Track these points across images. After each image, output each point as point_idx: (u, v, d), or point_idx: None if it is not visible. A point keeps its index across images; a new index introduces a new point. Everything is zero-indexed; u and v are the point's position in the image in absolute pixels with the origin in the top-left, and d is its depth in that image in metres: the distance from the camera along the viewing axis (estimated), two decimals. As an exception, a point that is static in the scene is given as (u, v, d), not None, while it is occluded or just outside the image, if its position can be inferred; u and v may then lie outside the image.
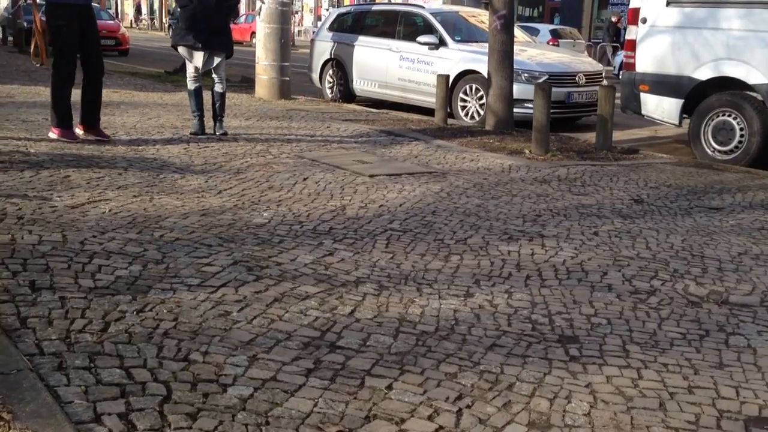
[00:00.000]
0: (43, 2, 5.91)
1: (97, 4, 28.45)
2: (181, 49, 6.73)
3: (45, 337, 2.43)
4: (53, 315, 2.61)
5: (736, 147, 7.02)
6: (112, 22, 22.87)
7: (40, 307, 2.67)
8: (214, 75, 6.79)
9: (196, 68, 6.71)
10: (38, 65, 6.32)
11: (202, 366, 2.32)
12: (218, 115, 6.86)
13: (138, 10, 54.11)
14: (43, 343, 2.38)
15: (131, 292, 2.88)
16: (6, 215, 3.79)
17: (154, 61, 17.63)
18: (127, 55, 20.12)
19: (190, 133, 6.71)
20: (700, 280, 3.44)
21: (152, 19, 50.60)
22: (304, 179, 5.12)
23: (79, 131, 6.09)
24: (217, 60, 6.73)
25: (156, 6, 50.72)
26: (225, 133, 6.76)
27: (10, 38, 20.54)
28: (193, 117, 6.87)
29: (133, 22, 53.24)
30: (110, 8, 42.64)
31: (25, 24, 20.14)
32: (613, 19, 21.41)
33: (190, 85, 6.82)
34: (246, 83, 11.87)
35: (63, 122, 5.97)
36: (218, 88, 6.82)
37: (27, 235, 3.49)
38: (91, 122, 6.10)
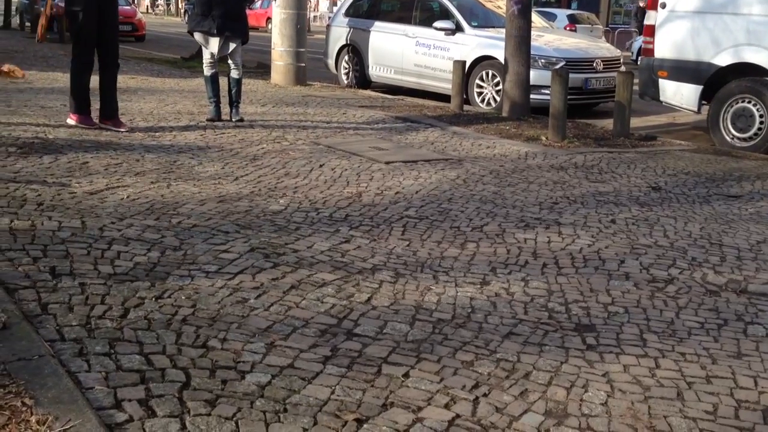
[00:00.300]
0: None
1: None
2: (197, 35, 6.67)
3: (66, 323, 2.46)
4: (74, 301, 2.64)
5: (755, 134, 6.94)
6: (128, 7, 22.89)
7: (60, 293, 2.70)
8: (230, 61, 6.72)
9: (212, 54, 6.65)
10: (37, 41, 6.32)
11: (220, 353, 2.34)
12: (234, 102, 6.83)
13: None
14: (64, 329, 2.41)
15: (150, 279, 2.91)
16: (26, 201, 3.83)
17: (171, 47, 17.67)
18: (143, 40, 20.18)
19: (207, 120, 6.70)
20: (718, 268, 3.41)
21: (168, 5, 50.65)
22: (320, 166, 5.13)
23: (97, 121, 6.06)
24: (232, 46, 6.66)
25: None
26: (241, 120, 6.75)
27: (28, 24, 20.64)
28: (209, 103, 6.84)
29: (149, 7, 53.31)
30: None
31: (42, 9, 20.24)
32: (641, 3, 21.18)
33: (207, 71, 6.77)
34: (262, 69, 11.87)
35: (81, 108, 5.97)
36: (234, 74, 6.77)
37: (47, 221, 3.52)
38: (109, 113, 6.06)
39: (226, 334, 2.47)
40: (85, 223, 3.53)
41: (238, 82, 6.83)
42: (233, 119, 6.76)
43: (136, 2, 46.00)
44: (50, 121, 6.18)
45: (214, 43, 6.61)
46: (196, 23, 6.66)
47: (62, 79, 9.32)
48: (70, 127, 5.94)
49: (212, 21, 6.49)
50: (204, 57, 6.79)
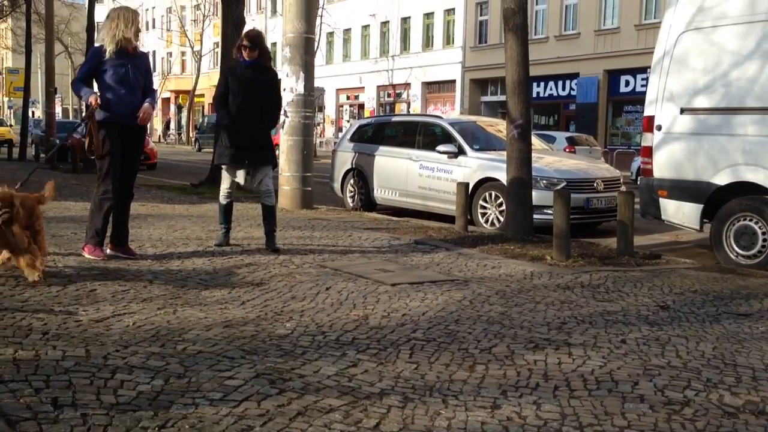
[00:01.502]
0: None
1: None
2: (224, 168, 6.69)
3: (66, 455, 2.39)
4: (75, 432, 2.58)
5: (759, 251, 6.97)
6: (140, 137, 23.69)
7: (61, 424, 2.64)
8: (260, 189, 6.71)
9: (234, 184, 6.67)
10: (92, 157, 6.31)
11: (223, 486, 2.26)
12: (270, 230, 6.71)
13: (167, 125, 56.11)
14: (64, 463, 2.34)
15: (153, 408, 2.85)
16: (31, 330, 3.82)
17: (180, 174, 18.12)
18: (155, 168, 20.73)
19: (215, 245, 6.72)
20: (734, 389, 3.34)
21: (179, 134, 52.36)
22: (327, 289, 5.13)
23: (108, 250, 6.04)
24: (262, 174, 6.67)
25: (183, 121, 52.58)
26: (278, 250, 6.61)
27: (43, 155, 21.30)
28: (219, 228, 6.88)
29: (161, 136, 55.13)
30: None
31: (58, 141, 20.96)
32: None
33: (223, 199, 6.77)
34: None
35: (93, 239, 5.94)
36: (267, 201, 6.72)
37: (51, 350, 3.50)
38: (120, 240, 6.07)
39: (230, 466, 2.39)
40: (89, 352, 3.50)
41: (272, 209, 6.75)
42: (269, 248, 6.63)
43: (148, 132, 47.70)
44: (60, 250, 6.25)
45: (242, 174, 6.64)
46: (224, 156, 6.64)
47: (74, 208, 9.52)
48: (78, 256, 5.98)
49: (241, 152, 6.53)
50: (222, 185, 6.76)
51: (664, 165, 7.68)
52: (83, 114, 5.90)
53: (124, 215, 6.12)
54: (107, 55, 5.80)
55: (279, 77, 6.99)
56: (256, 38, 6.66)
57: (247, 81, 6.57)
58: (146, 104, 5.94)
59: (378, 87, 40.68)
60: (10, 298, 4.48)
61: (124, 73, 5.83)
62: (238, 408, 2.89)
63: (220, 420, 2.76)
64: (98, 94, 5.73)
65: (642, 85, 25.72)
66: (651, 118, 7.82)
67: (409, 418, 2.86)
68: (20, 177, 16.19)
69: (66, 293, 4.67)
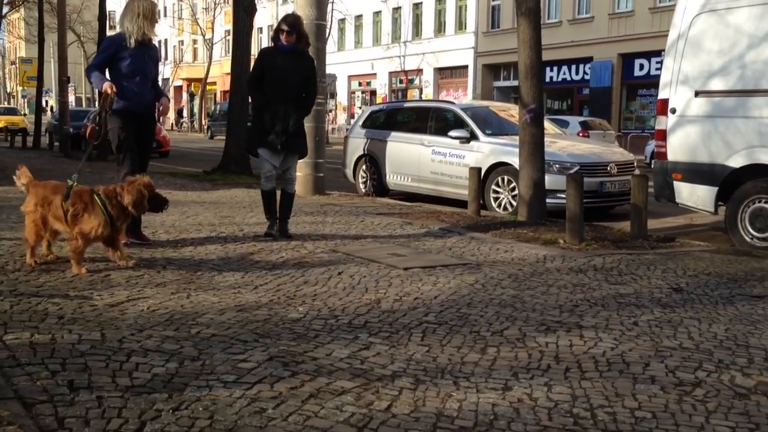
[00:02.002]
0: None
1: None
2: (262, 151, 6.56)
3: (82, 436, 2.43)
4: (90, 415, 2.61)
5: (775, 233, 6.92)
6: (153, 125, 23.80)
7: (77, 407, 2.68)
8: (285, 176, 6.66)
9: (274, 166, 6.57)
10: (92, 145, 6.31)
11: (237, 465, 2.28)
12: (284, 217, 6.71)
13: (180, 113, 56.25)
14: (80, 443, 2.38)
15: (167, 390, 2.88)
16: (47, 315, 3.86)
17: (193, 162, 18.18)
18: (167, 156, 20.82)
19: (265, 234, 6.58)
20: (746, 370, 3.33)
21: (192, 122, 52.48)
22: (339, 273, 5.15)
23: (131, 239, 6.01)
24: (290, 162, 6.62)
25: (195, 109, 52.68)
26: (290, 236, 6.60)
27: (56, 143, 21.44)
28: (267, 218, 6.75)
29: (173, 124, 55.29)
30: (152, 112, 44.39)
31: (71, 130, 21.08)
32: None
33: (266, 184, 6.66)
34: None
35: (130, 227, 5.77)
36: (289, 188, 6.69)
37: (67, 334, 3.54)
38: (133, 226, 5.96)
39: (243, 446, 2.42)
40: (104, 336, 3.54)
41: (292, 197, 6.74)
42: (282, 235, 6.61)
43: (161, 120, 47.88)
44: (75, 235, 6.29)
45: (277, 160, 6.56)
46: (258, 140, 6.57)
47: (88, 194, 9.57)
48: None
49: (275, 137, 6.43)
50: (263, 169, 6.66)
51: (678, 148, 7.62)
52: (98, 102, 6.33)
53: None
54: (130, 43, 5.84)
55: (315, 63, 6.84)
56: (295, 23, 6.53)
57: (284, 66, 6.42)
58: (164, 98, 6.12)
59: (390, 73, 40.56)
60: (26, 284, 4.54)
61: (140, 63, 5.90)
62: (251, 390, 2.92)
63: (233, 402, 2.79)
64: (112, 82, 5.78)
65: (656, 69, 25.50)
66: (665, 101, 7.76)
67: (420, 400, 2.88)
68: (37, 165, 16.32)
69: (80, 278, 4.72)
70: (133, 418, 2.60)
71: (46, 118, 31.67)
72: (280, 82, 6.43)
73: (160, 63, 6.27)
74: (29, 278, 4.69)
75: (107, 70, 5.97)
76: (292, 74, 6.45)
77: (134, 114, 5.93)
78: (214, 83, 52.81)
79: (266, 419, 2.64)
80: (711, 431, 2.66)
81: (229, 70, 14.95)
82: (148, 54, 5.98)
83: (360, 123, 12.13)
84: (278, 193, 6.72)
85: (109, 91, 5.67)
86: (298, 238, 6.62)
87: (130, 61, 5.85)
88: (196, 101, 54.50)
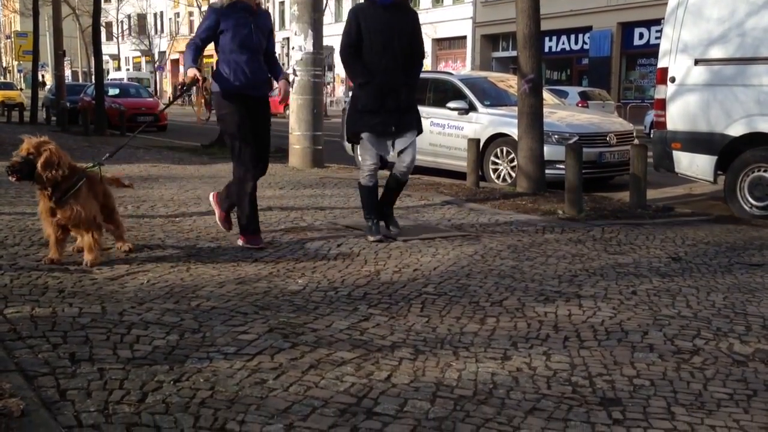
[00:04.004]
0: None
1: (136, 83, 29.55)
2: (366, 136, 5.36)
3: (84, 408, 2.45)
4: (92, 386, 2.63)
5: (774, 202, 6.92)
6: (151, 99, 23.72)
7: (79, 378, 2.70)
8: (401, 158, 5.51)
9: (381, 158, 5.45)
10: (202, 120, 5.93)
11: (238, 435, 2.30)
12: (390, 207, 5.70)
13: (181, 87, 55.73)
14: (82, 415, 2.40)
15: (168, 362, 2.90)
16: (48, 289, 3.87)
17: (191, 136, 18.10)
18: (165, 130, 20.73)
19: (373, 240, 5.32)
20: (744, 338, 3.35)
21: (189, 96, 52.19)
22: (338, 245, 5.16)
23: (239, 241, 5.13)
24: (405, 143, 5.45)
25: (192, 82, 52.37)
26: (399, 232, 5.55)
27: (54, 118, 21.34)
28: (367, 220, 5.50)
29: (170, 98, 54.97)
30: (149, 86, 44.15)
31: (68, 104, 20.97)
32: None
33: (366, 179, 5.44)
34: (280, 153, 12.11)
35: (247, 227, 5.08)
36: (403, 175, 5.53)
37: (67, 307, 3.55)
38: (251, 228, 5.13)
39: (244, 416, 2.44)
40: (105, 309, 3.55)
41: (402, 185, 5.66)
42: (391, 231, 5.55)
43: (158, 94, 47.56)
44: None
45: (386, 146, 5.46)
46: (362, 123, 5.36)
47: (86, 169, 9.54)
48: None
49: (387, 117, 5.29)
50: (364, 162, 5.45)
51: (677, 117, 7.59)
52: (180, 86, 5.33)
53: (255, 202, 5.16)
54: (232, 11, 4.93)
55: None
56: None
57: (386, 25, 5.25)
58: (282, 82, 5.17)
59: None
60: (25, 258, 4.54)
61: (246, 35, 4.93)
62: (251, 362, 2.93)
63: (234, 373, 2.81)
64: (199, 70, 4.91)
65: (656, 38, 25.27)
66: (664, 70, 7.71)
67: (420, 370, 2.90)
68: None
69: (80, 252, 4.72)
70: (134, 390, 2.61)
71: (43, 92, 31.48)
72: (384, 46, 5.22)
73: (271, 33, 5.21)
74: (28, 252, 4.69)
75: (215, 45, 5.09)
76: (399, 35, 5.28)
77: (244, 97, 4.97)
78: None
79: (267, 390, 2.66)
80: (709, 398, 2.68)
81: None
82: (256, 23, 4.98)
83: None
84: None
85: (191, 77, 4.84)
86: (297, 210, 6.62)
87: (233, 33, 4.90)
88: (193, 74, 54.14)
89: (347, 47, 5.35)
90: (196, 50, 4.98)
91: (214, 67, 5.08)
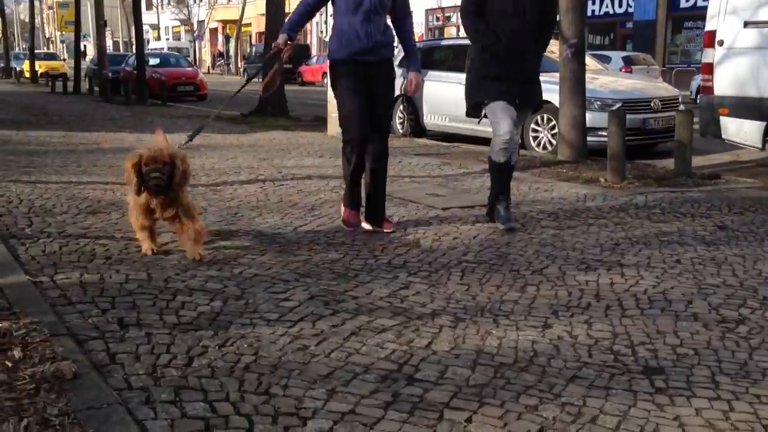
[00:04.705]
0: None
1: (176, 53, 29.72)
2: (497, 105, 4.69)
3: (133, 372, 2.52)
4: (140, 350, 2.70)
5: (825, 168, 6.72)
6: (190, 68, 23.87)
7: (128, 343, 2.77)
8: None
9: (511, 132, 4.71)
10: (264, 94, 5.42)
11: (282, 399, 2.35)
12: (507, 195, 4.93)
13: (219, 56, 55.95)
14: (131, 378, 2.47)
15: (213, 328, 2.96)
16: (95, 256, 3.97)
17: (232, 104, 18.20)
18: (205, 99, 20.88)
19: (505, 228, 4.71)
20: (792, 307, 3.28)
21: (228, 65, 52.38)
22: (378, 214, 5.16)
23: (365, 225, 4.73)
24: (523, 119, 4.96)
25: (232, 52, 52.54)
26: (512, 229, 4.75)
27: (96, 88, 21.65)
28: (497, 203, 4.84)
29: (210, 67, 55.29)
30: (188, 56, 44.42)
31: (110, 74, 21.22)
32: None
33: (499, 155, 4.76)
34: (318, 122, 12.14)
35: (347, 200, 4.74)
36: (513, 156, 4.88)
37: (115, 274, 3.64)
38: (374, 213, 4.71)
39: (287, 381, 2.48)
40: (150, 276, 3.63)
41: (512, 169, 4.98)
42: (503, 225, 4.76)
43: (198, 63, 47.86)
44: (118, 179, 6.40)
45: (510, 121, 4.70)
46: (484, 91, 4.74)
47: (128, 138, 9.71)
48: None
49: (511, 85, 4.67)
50: (501, 130, 4.70)
51: (725, 82, 7.38)
52: (269, 52, 4.91)
53: (377, 184, 4.68)
54: None
55: None
56: None
57: None
58: (413, 74, 4.75)
59: (426, 11, 39.74)
60: (73, 225, 4.65)
61: None
62: (293, 328, 2.98)
63: (276, 339, 2.86)
64: (292, 39, 4.51)
65: (704, 0, 24.54)
66: (712, 33, 7.49)
67: (460, 338, 2.91)
68: (78, 111, 16.58)
69: (125, 221, 4.80)
70: (181, 354, 2.68)
71: (85, 63, 31.91)
72: (516, 6, 4.64)
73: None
74: (76, 220, 4.80)
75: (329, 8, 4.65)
76: None
77: (357, 63, 4.45)
78: (249, 24, 52.41)
79: (309, 355, 2.70)
80: (754, 367, 2.65)
81: (264, 11, 14.79)
82: None
83: (397, 63, 11.94)
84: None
85: (281, 44, 4.45)
86: (336, 179, 6.63)
87: None
88: (232, 43, 54.28)
89: (469, 4, 4.77)
90: (301, 14, 4.51)
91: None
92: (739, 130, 7.35)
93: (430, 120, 10.97)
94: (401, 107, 11.48)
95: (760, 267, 3.92)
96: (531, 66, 4.77)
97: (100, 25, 23.25)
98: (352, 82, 4.46)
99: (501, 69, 4.65)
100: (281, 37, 4.47)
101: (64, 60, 43.90)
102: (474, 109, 4.92)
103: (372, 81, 4.51)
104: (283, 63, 4.52)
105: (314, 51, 41.56)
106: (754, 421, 2.25)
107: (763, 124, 7.09)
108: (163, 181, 3.77)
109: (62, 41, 66.97)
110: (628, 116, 7.38)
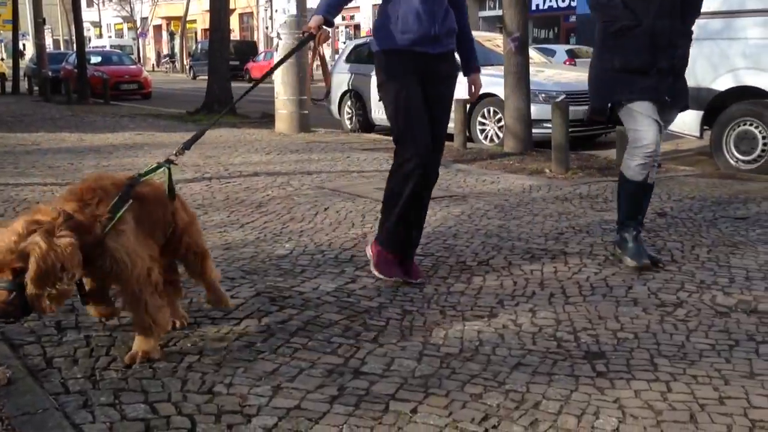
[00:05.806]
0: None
1: (119, 51, 29.11)
2: (640, 105, 3.69)
3: (70, 376, 2.46)
4: (78, 354, 2.64)
5: (759, 156, 6.93)
6: (134, 66, 23.41)
7: (65, 346, 2.70)
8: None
9: (657, 143, 3.73)
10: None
11: (226, 398, 2.32)
12: (642, 219, 3.97)
13: (166, 55, 54.92)
14: (69, 382, 2.40)
15: (155, 328, 2.90)
16: (33, 258, 3.85)
17: (176, 103, 17.92)
18: (149, 98, 20.52)
19: (636, 268, 3.66)
20: (727, 290, 3.38)
21: (173, 62, 51.51)
22: (325, 209, 5.15)
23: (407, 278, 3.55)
24: (670, 122, 4.02)
25: (177, 49, 51.68)
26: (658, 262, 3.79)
27: (36, 87, 21.07)
28: (624, 231, 3.84)
29: (154, 65, 54.29)
30: (132, 53, 43.55)
31: (50, 73, 20.67)
32: None
33: (637, 170, 3.78)
34: (266, 119, 12.02)
35: (388, 241, 3.57)
36: (653, 174, 3.88)
37: (53, 276, 3.54)
38: (404, 251, 3.62)
39: (232, 379, 2.45)
40: (91, 277, 3.54)
41: (651, 187, 3.94)
42: (633, 262, 3.71)
43: (142, 61, 46.95)
44: (57, 180, 6.25)
45: (657, 128, 3.71)
46: (622, 86, 3.71)
47: (69, 139, 9.48)
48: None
49: (659, 79, 3.69)
50: (638, 149, 3.74)
51: (663, 73, 7.55)
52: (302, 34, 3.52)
53: (417, 219, 3.66)
54: None
55: None
56: None
57: None
58: (474, 75, 3.97)
59: (374, 6, 39.70)
60: None
61: None
62: (239, 326, 2.95)
63: (222, 337, 2.82)
64: (330, 23, 3.36)
65: (643, -7, 24.99)
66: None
67: (407, 330, 2.92)
68: (16, 111, 16.02)
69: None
70: (121, 356, 2.62)
71: (24, 62, 31.03)
72: None
73: None
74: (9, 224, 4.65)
75: None
76: None
77: (416, 56, 3.49)
78: (194, 21, 51.61)
79: (255, 353, 2.68)
80: (691, 348, 2.72)
81: (208, 7, 14.58)
82: None
83: (344, 58, 11.92)
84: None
85: (312, 27, 3.33)
86: (284, 175, 6.59)
87: None
88: (177, 41, 53.39)
89: None
90: None
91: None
92: (678, 119, 7.51)
93: (378, 115, 10.97)
94: (349, 103, 11.46)
95: (697, 252, 4.03)
96: (681, 55, 3.77)
97: (39, 23, 22.63)
98: (408, 82, 3.50)
99: (643, 59, 3.64)
100: (314, 19, 3.34)
101: (2, 60, 42.55)
102: (599, 112, 3.93)
103: (431, 81, 3.59)
104: (316, 50, 3.46)
105: (261, 47, 41.21)
106: (691, 401, 2.30)
107: (701, 113, 7.27)
108: (11, 306, 2.19)
109: (0, 40, 64.99)
110: (572, 108, 7.50)
